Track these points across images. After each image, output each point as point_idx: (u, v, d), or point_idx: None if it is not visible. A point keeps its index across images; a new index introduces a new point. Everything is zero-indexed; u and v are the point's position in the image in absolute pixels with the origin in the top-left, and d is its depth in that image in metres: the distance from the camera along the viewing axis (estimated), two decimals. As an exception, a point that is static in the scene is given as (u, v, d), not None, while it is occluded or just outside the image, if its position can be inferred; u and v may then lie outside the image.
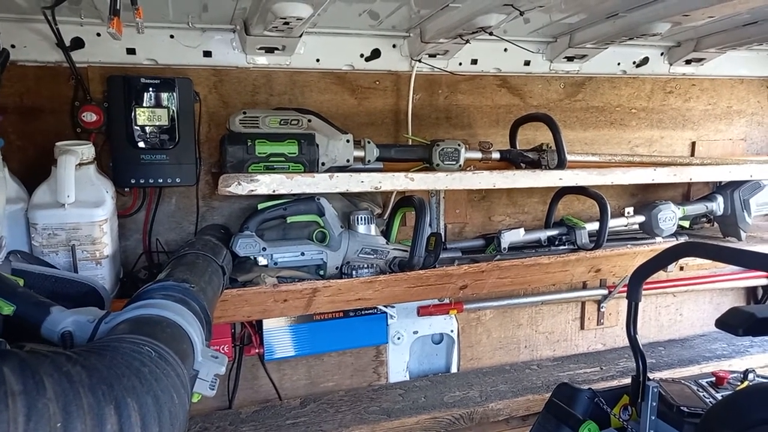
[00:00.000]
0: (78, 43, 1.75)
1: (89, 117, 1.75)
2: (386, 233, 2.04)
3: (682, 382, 1.78)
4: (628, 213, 2.38)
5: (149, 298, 1.04)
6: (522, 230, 2.14)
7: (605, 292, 2.56)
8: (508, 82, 2.30)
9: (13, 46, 1.68)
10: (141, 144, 1.77)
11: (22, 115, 1.76)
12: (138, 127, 1.76)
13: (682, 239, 2.38)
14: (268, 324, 2.05)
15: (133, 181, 1.78)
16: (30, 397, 0.57)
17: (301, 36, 1.80)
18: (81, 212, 1.50)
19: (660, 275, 2.26)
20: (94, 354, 0.69)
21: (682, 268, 2.63)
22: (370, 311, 2.20)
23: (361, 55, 2.07)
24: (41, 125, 1.78)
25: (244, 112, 1.76)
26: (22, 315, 0.92)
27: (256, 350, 2.06)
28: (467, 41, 1.93)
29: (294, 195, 1.83)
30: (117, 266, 1.70)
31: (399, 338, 2.30)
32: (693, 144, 2.64)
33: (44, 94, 1.78)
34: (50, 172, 1.53)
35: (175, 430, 0.71)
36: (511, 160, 2.10)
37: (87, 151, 1.57)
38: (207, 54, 1.90)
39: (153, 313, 0.94)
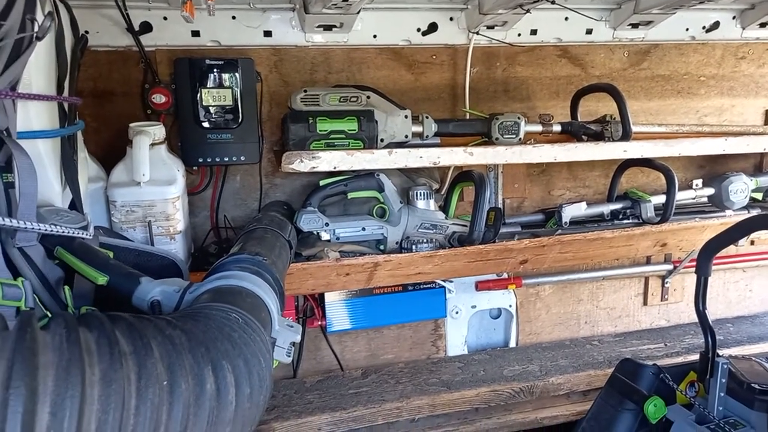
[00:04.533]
0: (146, 27, 1.81)
1: (159, 99, 1.82)
2: (444, 208, 2.05)
3: (752, 358, 1.73)
4: (697, 185, 2.29)
5: (226, 270, 1.09)
6: (584, 204, 2.10)
7: (670, 267, 2.48)
8: (568, 52, 2.23)
9: (86, 32, 1.76)
10: (206, 124, 1.83)
11: (96, 98, 1.84)
12: (203, 108, 1.82)
13: (755, 212, 2.27)
14: (330, 297, 2.10)
15: (200, 160, 1.85)
16: (139, 357, 0.62)
17: (358, 12, 1.80)
18: (155, 190, 1.57)
19: (729, 250, 2.18)
20: (190, 320, 0.74)
21: (752, 243, 2.54)
22: (429, 285, 2.22)
23: (418, 30, 2.05)
24: (114, 108, 1.86)
25: (305, 90, 1.79)
26: (115, 285, 0.98)
27: (319, 322, 2.12)
28: (527, 11, 1.89)
29: (354, 171, 1.86)
30: (189, 241, 1.78)
31: (457, 312, 2.31)
32: (767, 112, 2.50)
33: (116, 77, 1.86)
34: (125, 153, 1.61)
35: (263, 391, 0.76)
36: (573, 132, 2.05)
37: (158, 131, 1.63)
38: (267, 34, 1.93)
39: (233, 284, 0.99)
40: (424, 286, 2.21)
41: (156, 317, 0.73)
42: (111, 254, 1.09)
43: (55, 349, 0.57)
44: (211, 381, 0.66)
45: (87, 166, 1.56)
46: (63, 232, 0.99)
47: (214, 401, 0.66)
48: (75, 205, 1.26)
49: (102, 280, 0.97)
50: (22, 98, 0.99)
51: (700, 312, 1.70)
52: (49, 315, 0.88)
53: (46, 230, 0.93)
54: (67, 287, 1.00)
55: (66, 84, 1.27)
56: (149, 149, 1.55)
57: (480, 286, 2.29)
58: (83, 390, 0.56)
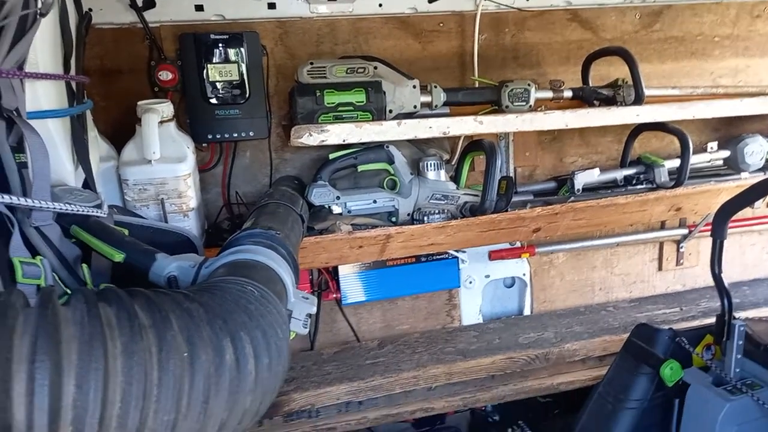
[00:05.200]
0: (149, 3, 1.79)
1: (165, 76, 1.82)
2: (455, 179, 2.03)
3: (770, 320, 1.73)
4: (711, 148, 2.25)
5: (240, 244, 1.10)
6: (597, 170, 2.08)
7: (685, 231, 2.46)
8: (579, 15, 2.18)
9: (90, 10, 1.74)
10: (214, 100, 1.81)
11: (103, 77, 1.84)
12: (210, 84, 1.80)
13: (771, 174, 2.24)
14: (343, 270, 2.11)
15: (209, 137, 1.84)
16: (159, 330, 0.62)
17: (364, -20, 1.77)
18: (166, 167, 1.57)
19: (745, 212, 2.16)
20: (207, 293, 0.75)
21: (769, 205, 2.51)
22: (442, 256, 2.22)
23: (425, -4, 2.02)
24: (121, 86, 1.86)
25: (312, 63, 1.77)
26: (131, 262, 0.99)
27: (334, 295, 2.13)
28: (536, -27, 1.84)
29: (363, 144, 1.85)
30: (202, 218, 1.79)
31: (471, 282, 2.32)
32: (784, 71, 2.45)
33: (122, 55, 1.85)
34: (134, 131, 1.61)
35: (281, 361, 0.77)
36: (584, 98, 2.02)
37: (166, 108, 1.63)
38: (271, 6, 1.91)
39: (248, 258, 1.00)
40: (437, 256, 2.21)
41: (173, 291, 0.73)
42: (126, 232, 1.10)
43: (77, 323, 0.58)
44: (230, 352, 0.67)
45: (98, 146, 1.57)
46: (78, 210, 0.99)
47: (234, 371, 0.67)
48: (88, 184, 1.26)
49: (118, 257, 0.98)
50: (30, 77, 0.99)
51: (716, 275, 1.68)
52: (69, 292, 0.90)
53: (61, 209, 0.94)
54: (85, 265, 1.01)
55: (72, 63, 1.27)
56: (158, 127, 1.55)
57: (493, 256, 2.29)
58: (106, 362, 0.57)
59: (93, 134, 1.52)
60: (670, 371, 1.61)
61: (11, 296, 0.59)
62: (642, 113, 1.93)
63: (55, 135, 1.13)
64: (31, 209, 0.89)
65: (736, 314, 1.66)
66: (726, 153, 2.25)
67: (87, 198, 1.08)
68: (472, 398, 2.09)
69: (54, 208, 0.92)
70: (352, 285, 2.14)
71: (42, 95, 1.09)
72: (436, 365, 2.04)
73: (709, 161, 2.25)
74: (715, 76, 2.38)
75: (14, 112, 0.91)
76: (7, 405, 0.52)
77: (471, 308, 2.36)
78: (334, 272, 2.13)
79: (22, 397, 0.52)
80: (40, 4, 0.93)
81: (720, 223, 1.65)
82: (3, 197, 0.77)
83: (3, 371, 0.52)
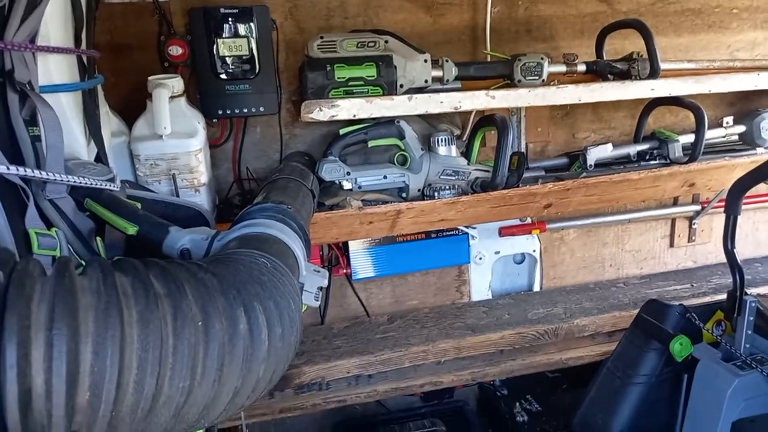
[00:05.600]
0: (159, -23, 1.78)
1: (175, 51, 1.81)
2: (466, 154, 2.02)
3: (782, 297, 1.72)
4: (727, 123, 2.22)
5: (252, 218, 1.10)
6: (609, 146, 2.06)
7: (698, 208, 2.44)
8: (594, -14, 2.14)
9: (99, -16, 1.74)
10: (224, 75, 1.80)
11: (113, 52, 1.83)
12: (220, 59, 1.79)
13: (788, 149, 2.21)
14: (353, 245, 2.12)
15: (220, 112, 1.84)
16: (174, 299, 0.63)
17: (374, -49, 1.74)
18: (178, 143, 1.57)
19: (758, 189, 2.13)
20: (221, 264, 0.76)
21: (784, 181, 2.47)
22: (452, 232, 2.22)
23: (436, -32, 1.98)
24: (131, 61, 1.85)
25: (321, 37, 1.75)
26: (145, 235, 1.00)
27: (344, 270, 2.15)
28: (550, -57, 1.80)
29: (374, 119, 1.84)
30: (212, 193, 1.80)
31: (481, 258, 2.32)
32: (803, 44, 2.39)
33: (132, 30, 1.84)
34: (145, 107, 1.61)
35: (294, 332, 0.78)
36: (598, 72, 1.99)
37: (177, 84, 1.62)
38: (281, -21, 1.89)
39: (260, 231, 1.00)
40: (447, 232, 2.21)
41: (188, 262, 0.74)
42: (139, 205, 1.11)
43: (93, 291, 0.59)
44: (243, 321, 0.68)
45: (109, 121, 1.57)
46: (91, 184, 1.00)
47: (247, 340, 0.68)
48: (101, 158, 1.27)
49: (132, 229, 0.99)
50: (42, 51, 0.99)
51: (729, 251, 1.68)
52: (84, 263, 0.91)
53: (74, 182, 0.95)
54: (99, 238, 1.02)
55: (83, 37, 1.27)
56: (169, 102, 1.55)
57: (503, 232, 2.29)
58: (122, 330, 0.58)
59: (104, 109, 1.52)
60: (680, 346, 1.61)
61: (29, 265, 0.60)
62: (657, 87, 1.90)
63: (67, 109, 1.13)
64: (45, 182, 0.90)
65: (748, 290, 1.66)
66: (741, 128, 2.22)
67: (100, 172, 1.09)
68: (480, 372, 2.11)
69: (68, 181, 0.93)
70: (362, 260, 2.15)
71: (54, 69, 1.09)
72: (445, 340, 2.06)
73: (724, 136, 2.22)
74: (732, 49, 2.34)
75: (27, 86, 0.91)
76: (27, 370, 0.53)
77: (480, 284, 2.36)
78: (344, 248, 2.14)
79: (40, 362, 0.54)
80: (50, -24, 0.92)
81: (734, 198, 1.64)
82: (18, 169, 0.78)
83: (22, 338, 0.53)
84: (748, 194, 1.66)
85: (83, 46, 1.27)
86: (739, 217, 1.66)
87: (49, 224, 0.91)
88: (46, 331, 0.54)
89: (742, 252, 2.54)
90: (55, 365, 0.54)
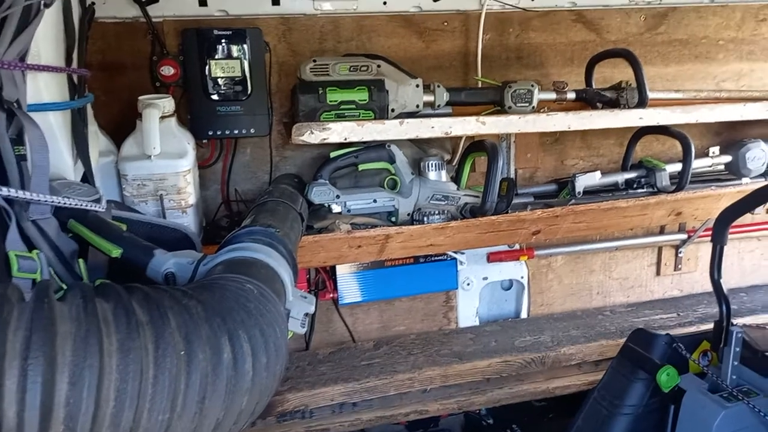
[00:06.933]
0: (153, -3, 1.79)
1: (167, 71, 1.80)
2: (456, 179, 2.03)
3: (767, 327, 1.72)
4: (713, 153, 2.25)
5: (239, 242, 1.09)
6: (598, 173, 2.07)
7: (684, 236, 2.46)
8: (583, 16, 2.17)
9: (93, 3, 1.73)
10: (215, 96, 1.81)
11: (104, 71, 1.82)
12: (212, 80, 1.80)
13: (772, 180, 2.24)
14: (341, 270, 2.11)
15: (210, 133, 1.83)
16: (156, 327, 0.62)
17: (368, -22, 1.76)
18: (166, 163, 1.56)
19: (744, 219, 2.15)
20: (206, 290, 0.74)
21: (768, 211, 2.50)
22: (440, 257, 2.21)
23: (429, -5, 2.01)
24: (123, 80, 1.85)
25: (314, 60, 1.76)
26: (129, 258, 0.98)
27: (331, 295, 2.13)
28: (541, -26, 1.83)
29: (365, 142, 1.84)
30: (200, 215, 1.78)
31: (468, 284, 2.31)
32: (787, 77, 2.44)
33: (124, 49, 1.84)
34: (135, 126, 1.60)
35: (279, 361, 0.76)
36: (588, 100, 2.01)
37: (168, 104, 1.61)
38: (275, 2, 1.90)
39: (247, 255, 0.99)
40: (436, 257, 2.21)
41: (172, 288, 0.73)
42: (124, 227, 1.09)
43: (73, 319, 0.57)
44: (228, 350, 0.66)
45: (98, 140, 1.56)
46: (76, 204, 0.98)
47: (231, 370, 0.66)
48: (87, 178, 1.25)
49: (116, 252, 0.97)
50: (32, 69, 0.98)
51: (715, 281, 1.68)
52: (65, 287, 0.89)
53: (59, 203, 0.93)
54: (81, 260, 1.00)
55: (75, 56, 1.26)
56: (159, 122, 1.54)
57: (492, 258, 2.28)
58: (101, 359, 0.56)
59: (93, 128, 1.51)
60: (667, 377, 1.60)
61: (7, 290, 0.58)
62: (645, 116, 1.93)
63: (55, 128, 1.12)
64: (29, 202, 0.88)
65: (734, 320, 1.66)
66: (728, 158, 2.25)
67: (86, 192, 1.07)
68: (466, 401, 2.08)
69: (52, 202, 0.91)
70: (349, 285, 2.13)
71: (43, 88, 1.08)
72: (431, 367, 2.04)
73: (710, 166, 2.25)
74: (718, 80, 2.38)
75: (15, 104, 0.90)
76: None
77: (468, 310, 2.35)
78: (331, 271, 2.12)
79: (13, 394, 0.52)
80: (43, -5, 0.92)
81: (721, 228, 1.65)
82: (1, 189, 0.76)
83: (-4, 367, 0.51)
84: (733, 224, 1.67)
85: (74, 64, 1.26)
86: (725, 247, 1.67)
87: (30, 246, 0.89)
88: (21, 360, 0.53)
89: (727, 281, 2.53)
90: (28, 397, 0.52)
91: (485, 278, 2.33)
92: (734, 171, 2.26)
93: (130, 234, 1.04)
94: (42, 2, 0.92)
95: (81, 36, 1.33)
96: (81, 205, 1.00)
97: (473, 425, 2.53)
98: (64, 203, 0.95)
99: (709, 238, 1.69)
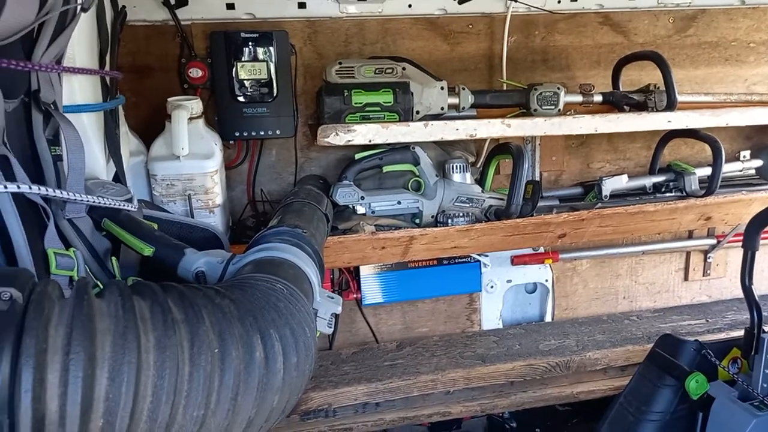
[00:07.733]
0: (182, 1, 1.81)
1: (195, 73, 1.83)
2: (481, 182, 2.02)
3: (799, 335, 1.68)
4: (744, 157, 2.21)
5: (267, 242, 1.10)
6: (625, 177, 2.05)
7: (713, 241, 2.41)
8: (610, 18, 2.15)
9: (124, 7, 1.77)
10: (242, 98, 1.83)
11: (135, 73, 1.86)
12: (239, 82, 1.82)
13: (805, 185, 2.19)
14: (365, 270, 2.11)
15: (237, 134, 1.85)
16: (191, 325, 0.63)
17: (394, -19, 1.77)
18: (194, 164, 1.59)
19: (777, 224, 2.10)
20: (238, 289, 0.75)
21: (802, 217, 2.44)
22: (464, 259, 2.20)
23: (454, -2, 2.01)
24: (152, 83, 1.88)
25: (340, 63, 1.77)
26: (160, 256, 1.00)
27: (354, 295, 2.13)
28: (569, -24, 1.82)
29: (389, 144, 1.84)
30: (227, 215, 1.81)
31: (492, 287, 2.30)
32: (820, 79, 2.38)
33: (153, 52, 1.87)
34: (164, 127, 1.63)
35: (309, 360, 0.76)
36: (615, 102, 1.99)
37: (196, 105, 1.64)
38: (301, 5, 1.92)
39: (275, 255, 1.00)
40: (460, 260, 2.20)
41: (205, 287, 0.74)
42: (155, 226, 1.11)
43: (112, 316, 0.59)
44: (260, 349, 0.67)
45: (128, 141, 1.59)
46: (110, 204, 1.01)
47: (263, 369, 0.67)
48: (119, 178, 1.28)
49: (148, 251, 0.99)
50: (68, 72, 1.01)
51: (746, 287, 1.65)
52: (100, 285, 0.91)
53: (94, 202, 0.95)
54: (114, 258, 1.02)
55: (107, 58, 1.29)
56: (187, 123, 1.57)
57: (516, 261, 2.27)
58: (139, 356, 0.57)
59: (124, 129, 1.54)
60: (696, 384, 1.58)
61: (47, 287, 0.60)
62: (674, 119, 1.90)
63: (89, 129, 1.15)
64: (65, 201, 0.90)
65: (766, 328, 1.63)
66: (759, 162, 2.20)
67: (118, 192, 1.09)
68: (489, 404, 2.08)
69: (88, 201, 0.93)
70: (372, 286, 2.14)
71: (78, 90, 1.11)
72: (454, 369, 2.03)
73: (741, 170, 2.21)
74: (749, 83, 2.33)
75: (51, 106, 0.93)
76: (41, 395, 0.52)
77: (491, 313, 2.34)
78: (355, 272, 2.13)
79: (55, 388, 0.53)
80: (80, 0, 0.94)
81: (752, 233, 1.62)
82: (40, 188, 0.78)
83: (38, 361, 0.53)
84: (766, 229, 1.64)
85: (107, 67, 1.29)
86: (756, 252, 1.64)
87: (66, 244, 0.91)
88: (62, 355, 0.54)
89: (759, 288, 2.50)
90: (70, 391, 0.53)
91: (509, 281, 2.32)
92: (765, 175, 2.22)
93: (162, 233, 1.06)
94: (79, 6, 0.95)
95: (113, 39, 1.36)
96: (115, 204, 1.02)
97: (496, 428, 2.52)
98: (99, 202, 0.97)
99: (739, 244, 1.66)
